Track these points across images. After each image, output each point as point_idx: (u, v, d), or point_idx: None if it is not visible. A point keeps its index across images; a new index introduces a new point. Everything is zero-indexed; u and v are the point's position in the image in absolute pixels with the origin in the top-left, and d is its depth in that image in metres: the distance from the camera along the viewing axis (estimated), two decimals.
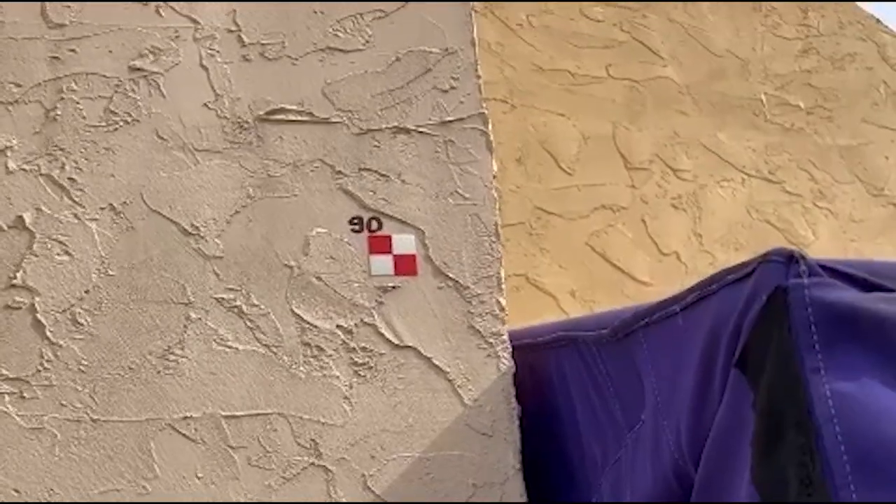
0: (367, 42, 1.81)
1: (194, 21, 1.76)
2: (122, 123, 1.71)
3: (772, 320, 1.16)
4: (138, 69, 1.73)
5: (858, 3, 2.83)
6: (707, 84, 2.75)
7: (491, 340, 1.72)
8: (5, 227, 1.62)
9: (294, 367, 1.66)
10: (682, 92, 2.72)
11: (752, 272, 1.21)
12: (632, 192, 2.62)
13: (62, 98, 1.69)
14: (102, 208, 1.67)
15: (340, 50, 1.80)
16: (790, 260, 1.17)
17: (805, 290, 1.14)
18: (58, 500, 1.55)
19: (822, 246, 2.60)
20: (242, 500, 1.60)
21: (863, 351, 1.14)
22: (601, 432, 1.61)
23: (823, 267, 1.18)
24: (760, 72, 2.77)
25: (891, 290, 1.21)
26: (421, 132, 1.79)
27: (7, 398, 1.55)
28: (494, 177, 1.82)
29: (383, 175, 1.76)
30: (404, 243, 1.74)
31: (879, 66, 2.80)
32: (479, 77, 1.84)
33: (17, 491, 1.53)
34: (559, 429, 1.74)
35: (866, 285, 1.18)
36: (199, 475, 1.60)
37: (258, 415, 1.64)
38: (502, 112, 2.59)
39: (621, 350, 1.53)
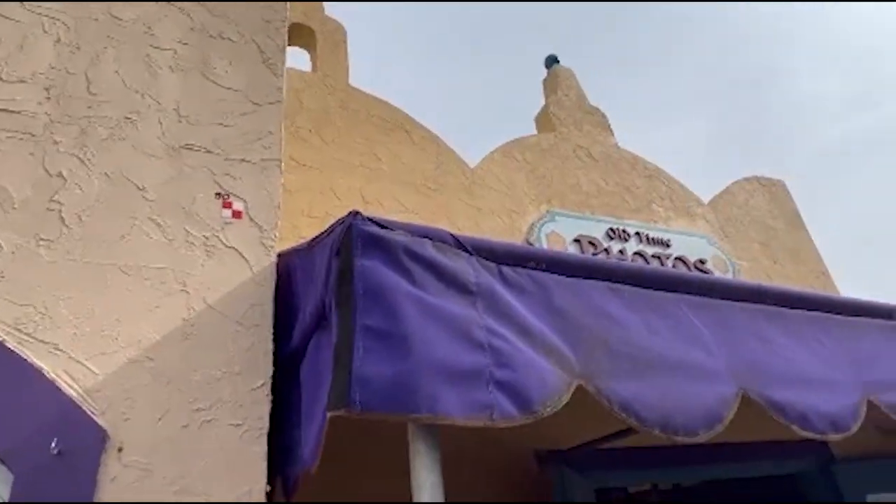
0: None
1: None
2: None
3: (347, 241, 2.19)
4: None
5: None
6: None
7: None
8: None
9: None
10: None
11: (344, 220, 2.35)
12: None
13: None
14: None
15: None
16: (356, 215, 2.26)
17: (359, 227, 2.19)
18: None
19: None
20: None
21: (382, 255, 2.12)
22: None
23: (371, 220, 2.26)
24: None
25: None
26: None
27: None
28: None
29: None
30: None
31: None
32: None
33: None
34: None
35: (393, 227, 2.26)
36: None
37: None
38: None
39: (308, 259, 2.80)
